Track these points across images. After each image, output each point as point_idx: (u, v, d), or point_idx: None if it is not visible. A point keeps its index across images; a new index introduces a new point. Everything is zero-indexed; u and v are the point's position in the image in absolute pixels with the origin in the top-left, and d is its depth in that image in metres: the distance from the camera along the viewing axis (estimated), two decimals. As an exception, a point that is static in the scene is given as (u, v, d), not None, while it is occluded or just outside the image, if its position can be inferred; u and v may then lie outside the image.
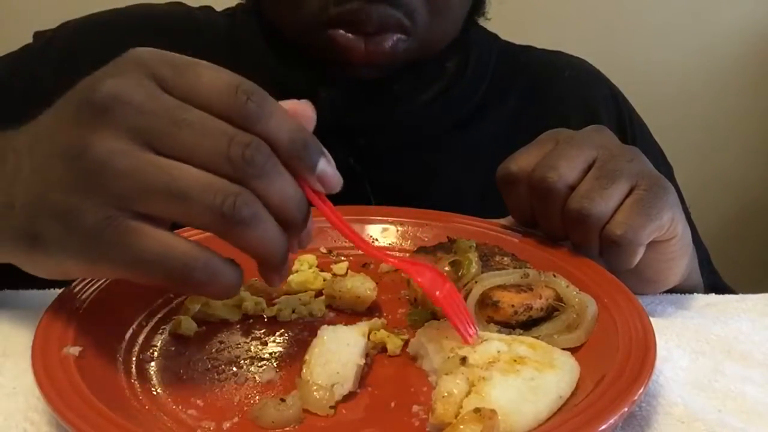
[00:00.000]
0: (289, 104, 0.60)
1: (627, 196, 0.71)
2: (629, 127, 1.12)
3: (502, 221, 0.84)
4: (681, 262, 0.78)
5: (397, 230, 0.86)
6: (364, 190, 1.02)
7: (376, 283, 0.76)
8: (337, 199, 0.90)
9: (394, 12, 0.87)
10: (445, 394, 0.53)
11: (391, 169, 1.04)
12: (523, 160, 0.75)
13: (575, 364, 0.58)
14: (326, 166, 0.59)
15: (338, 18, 0.88)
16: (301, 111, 0.60)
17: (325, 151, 0.59)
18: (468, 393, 0.53)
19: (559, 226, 0.73)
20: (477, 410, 0.50)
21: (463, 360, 0.56)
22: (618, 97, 1.15)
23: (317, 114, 1.00)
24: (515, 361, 0.56)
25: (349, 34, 0.88)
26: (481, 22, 1.08)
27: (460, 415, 0.51)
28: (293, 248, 0.60)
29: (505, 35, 1.16)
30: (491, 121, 1.07)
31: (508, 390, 0.53)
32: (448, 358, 0.58)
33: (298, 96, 0.98)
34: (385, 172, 1.03)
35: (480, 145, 1.05)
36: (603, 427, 0.49)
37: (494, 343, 0.58)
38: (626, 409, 0.51)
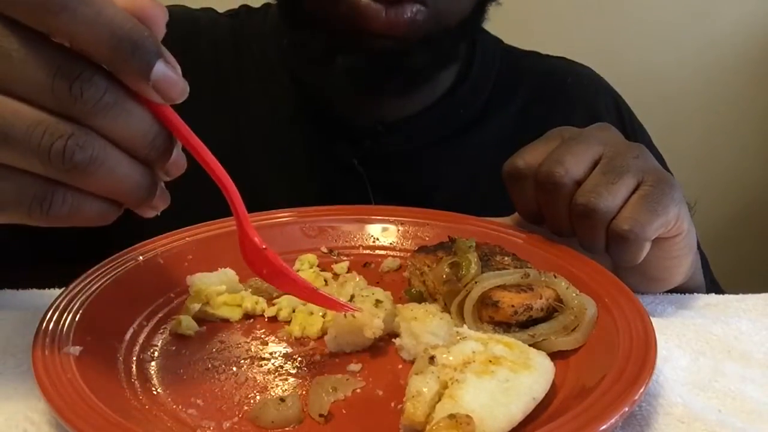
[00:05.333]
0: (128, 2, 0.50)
1: (633, 192, 0.71)
2: (631, 134, 1.12)
3: (506, 219, 0.84)
4: (686, 260, 0.78)
5: (398, 230, 0.86)
6: (367, 193, 1.02)
7: (377, 283, 0.76)
8: (339, 199, 0.91)
9: None
10: (415, 393, 0.53)
11: (393, 172, 1.04)
12: (529, 156, 0.76)
13: (550, 365, 0.58)
14: (165, 70, 0.50)
15: None
16: (143, 10, 0.50)
17: (166, 53, 0.51)
18: (441, 394, 0.53)
19: (565, 222, 0.74)
20: (452, 416, 0.50)
21: (432, 359, 0.56)
22: (620, 105, 1.16)
23: (335, 82, 0.99)
24: (490, 361, 0.56)
25: (371, 2, 0.86)
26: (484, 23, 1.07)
27: (434, 420, 0.51)
28: (159, 178, 0.55)
29: (505, 36, 1.16)
30: (494, 126, 1.07)
31: (481, 393, 0.52)
32: (420, 357, 0.58)
33: (316, 66, 0.95)
34: (388, 174, 1.03)
35: (482, 150, 1.05)
36: (604, 426, 0.49)
37: (470, 343, 0.58)
38: (627, 409, 0.51)
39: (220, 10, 1.16)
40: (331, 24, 0.91)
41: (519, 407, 0.52)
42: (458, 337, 0.59)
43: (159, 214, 0.57)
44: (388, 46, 0.91)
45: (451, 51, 1.00)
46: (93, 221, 0.53)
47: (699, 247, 1.06)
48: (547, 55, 1.20)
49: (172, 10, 1.19)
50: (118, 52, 0.48)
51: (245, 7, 1.14)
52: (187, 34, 1.08)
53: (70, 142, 0.48)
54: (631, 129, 1.13)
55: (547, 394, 0.56)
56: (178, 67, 0.52)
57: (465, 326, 0.64)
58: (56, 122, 0.48)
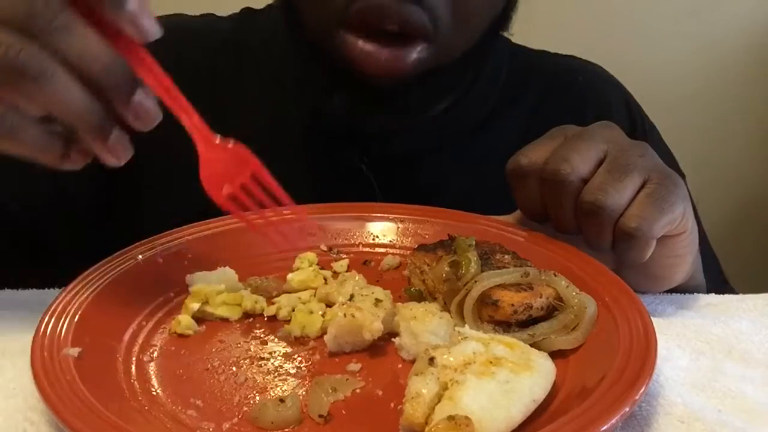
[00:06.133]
0: None
1: (639, 190, 0.71)
2: (641, 133, 1.10)
3: (507, 217, 0.84)
4: (688, 258, 0.77)
5: (398, 227, 0.86)
6: (375, 197, 1.01)
7: (376, 281, 0.76)
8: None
9: (421, 13, 0.82)
10: (414, 394, 0.53)
11: (402, 176, 1.02)
12: (533, 154, 0.75)
13: (552, 367, 0.58)
14: (137, 5, 0.55)
15: (361, 14, 0.83)
16: None
17: None
18: (440, 396, 0.53)
19: (571, 219, 0.73)
20: (451, 417, 0.50)
21: (432, 360, 0.56)
22: (631, 103, 1.14)
23: (330, 118, 0.95)
24: (491, 362, 0.55)
25: (367, 45, 0.84)
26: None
27: (433, 421, 0.51)
28: (120, 117, 0.57)
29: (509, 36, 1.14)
30: (503, 128, 1.05)
31: (480, 395, 0.52)
32: (420, 357, 0.57)
33: (313, 100, 0.93)
34: (396, 178, 1.01)
35: (491, 152, 1.02)
36: (604, 427, 0.49)
37: (471, 344, 0.58)
38: (627, 409, 0.51)
39: (223, 13, 1.13)
40: (330, 59, 0.90)
41: (519, 409, 0.52)
42: (459, 338, 0.59)
43: (121, 165, 0.59)
44: (387, 83, 0.89)
45: (452, 84, 0.98)
46: (32, 150, 0.56)
47: (711, 250, 1.06)
48: (557, 54, 1.18)
49: (170, 20, 1.16)
50: None
51: (247, 10, 1.11)
52: (185, 42, 1.04)
53: (23, 52, 0.51)
54: (642, 127, 1.11)
55: (547, 394, 0.56)
56: (149, 7, 0.56)
57: (466, 326, 0.63)
58: (9, 35, 0.52)
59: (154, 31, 0.56)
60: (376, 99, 0.92)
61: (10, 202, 0.92)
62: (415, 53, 0.85)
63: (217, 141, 0.63)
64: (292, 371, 0.63)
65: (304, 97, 1.01)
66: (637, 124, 1.11)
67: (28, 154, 0.57)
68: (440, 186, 0.92)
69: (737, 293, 0.82)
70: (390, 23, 0.83)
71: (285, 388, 0.60)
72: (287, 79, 1.03)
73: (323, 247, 0.83)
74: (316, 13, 0.90)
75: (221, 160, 0.63)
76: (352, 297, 0.69)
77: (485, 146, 1.04)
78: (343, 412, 0.57)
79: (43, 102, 0.54)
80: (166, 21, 1.17)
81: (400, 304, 0.69)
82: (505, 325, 0.65)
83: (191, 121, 0.62)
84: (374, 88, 0.91)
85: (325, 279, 0.77)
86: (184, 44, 1.05)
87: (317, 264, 0.80)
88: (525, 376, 0.54)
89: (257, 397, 0.59)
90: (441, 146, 1.04)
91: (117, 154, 0.58)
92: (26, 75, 0.52)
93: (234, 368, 0.62)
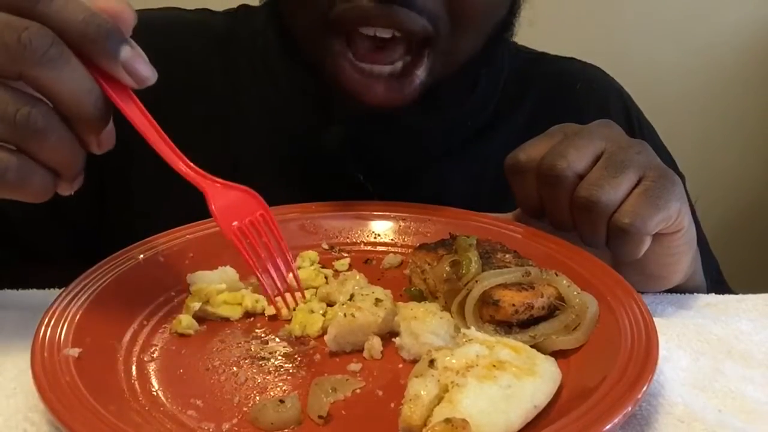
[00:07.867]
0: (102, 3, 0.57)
1: (635, 186, 0.71)
2: (639, 136, 1.09)
3: (508, 215, 0.84)
4: (685, 258, 0.78)
5: (399, 226, 0.86)
6: None
7: (378, 280, 0.76)
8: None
9: (414, 15, 0.79)
10: (413, 396, 0.53)
11: (401, 185, 1.01)
12: (532, 150, 0.76)
13: (557, 372, 0.57)
14: (132, 54, 0.57)
15: (344, 16, 0.79)
16: (116, 11, 0.57)
17: (133, 43, 0.57)
18: (440, 398, 0.53)
19: (567, 215, 0.74)
20: (448, 420, 0.49)
21: (432, 363, 0.56)
22: (630, 107, 1.13)
23: (325, 147, 0.91)
24: (494, 366, 0.55)
25: (362, 64, 0.81)
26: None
27: (430, 423, 0.51)
28: (92, 147, 0.59)
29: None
30: (502, 134, 1.04)
31: (480, 399, 0.52)
32: (422, 359, 0.57)
33: (305, 128, 0.87)
34: (395, 188, 1.00)
35: (491, 159, 1.01)
36: (608, 426, 0.49)
37: (474, 347, 0.58)
38: (630, 409, 0.51)
39: (219, 9, 1.11)
40: (323, 82, 0.86)
41: (518, 414, 0.52)
42: (464, 339, 0.59)
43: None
44: (384, 110, 0.85)
45: (455, 96, 0.94)
46: (36, 194, 0.58)
47: (710, 251, 1.06)
48: (557, 57, 1.16)
49: (164, 13, 1.13)
50: (86, 34, 0.54)
51: (243, 7, 1.09)
52: (176, 36, 1.04)
53: (33, 110, 0.54)
54: (640, 132, 1.11)
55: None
56: (144, 56, 0.58)
57: (472, 328, 0.63)
58: (18, 95, 0.54)
59: (149, 77, 0.58)
60: (372, 124, 0.89)
61: (6, 207, 0.92)
62: (417, 80, 0.83)
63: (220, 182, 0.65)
64: (293, 371, 0.63)
65: (296, 122, 0.98)
66: (634, 129, 1.10)
67: (31, 199, 0.58)
68: (441, 195, 0.91)
69: (736, 294, 0.82)
70: (378, 27, 0.80)
71: (285, 388, 0.60)
72: (285, 82, 1.00)
73: (325, 246, 0.84)
74: (300, 19, 0.87)
75: (230, 196, 0.65)
76: (352, 297, 0.69)
77: (484, 154, 1.03)
78: (343, 413, 0.57)
79: (47, 151, 0.56)
80: (160, 14, 1.16)
81: (401, 303, 0.69)
82: (506, 325, 0.65)
83: (189, 168, 0.64)
84: (371, 115, 0.87)
85: (326, 278, 0.77)
86: (177, 38, 1.04)
87: (318, 262, 0.80)
88: (528, 381, 0.54)
89: (257, 398, 0.59)
90: (440, 155, 1.02)
91: (75, 187, 0.61)
92: (38, 128, 0.54)
93: (234, 368, 0.62)
